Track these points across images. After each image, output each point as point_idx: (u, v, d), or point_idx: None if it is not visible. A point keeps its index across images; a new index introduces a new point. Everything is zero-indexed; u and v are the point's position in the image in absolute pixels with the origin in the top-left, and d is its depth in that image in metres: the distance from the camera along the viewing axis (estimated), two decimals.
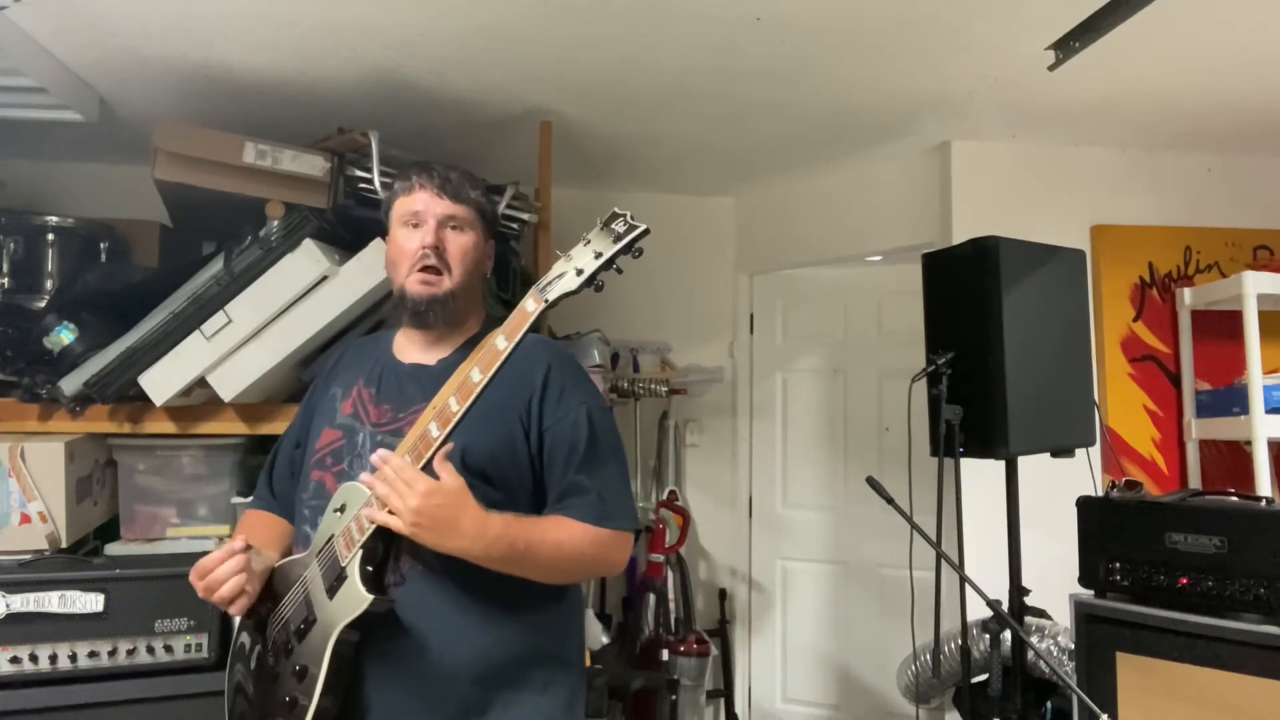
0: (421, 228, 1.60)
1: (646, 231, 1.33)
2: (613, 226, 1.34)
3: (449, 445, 1.42)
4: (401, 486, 1.38)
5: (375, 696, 1.47)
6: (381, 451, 1.43)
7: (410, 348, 1.67)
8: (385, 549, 1.47)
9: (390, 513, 1.39)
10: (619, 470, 1.60)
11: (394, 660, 1.47)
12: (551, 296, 1.36)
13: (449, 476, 1.40)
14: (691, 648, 3.54)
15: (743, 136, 3.22)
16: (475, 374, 1.40)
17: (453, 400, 1.40)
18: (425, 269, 1.58)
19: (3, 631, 1.96)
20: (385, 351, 1.69)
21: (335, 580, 1.45)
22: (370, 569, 1.45)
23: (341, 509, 1.51)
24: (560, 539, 1.49)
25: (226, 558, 1.49)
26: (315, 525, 1.56)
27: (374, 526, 1.42)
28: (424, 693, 1.47)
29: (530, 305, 1.38)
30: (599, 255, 1.34)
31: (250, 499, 1.83)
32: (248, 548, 1.52)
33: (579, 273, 1.35)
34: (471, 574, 1.48)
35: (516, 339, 1.38)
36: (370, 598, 1.41)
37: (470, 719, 1.49)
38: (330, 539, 1.50)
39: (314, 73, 2.55)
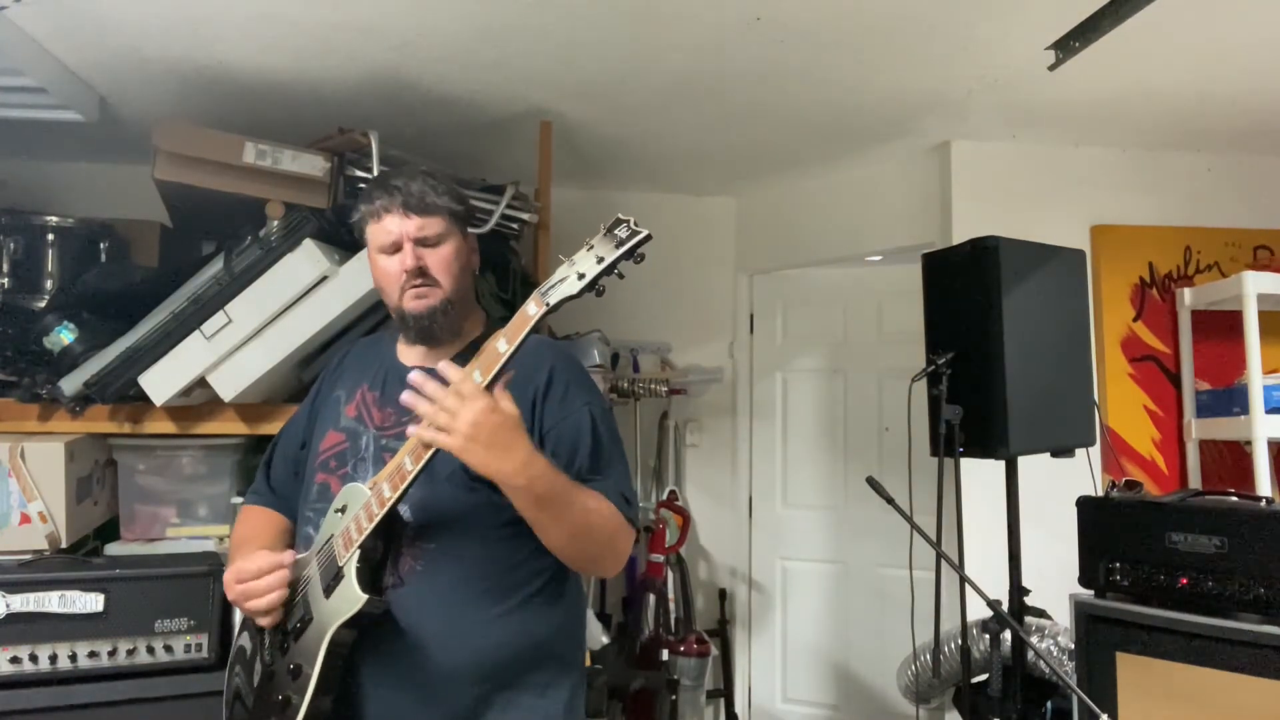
0: (400, 252, 1.58)
1: (649, 237, 1.33)
2: (616, 232, 1.33)
3: (510, 374, 1.38)
4: (453, 402, 1.33)
5: (372, 698, 1.47)
6: (421, 375, 1.37)
7: (413, 351, 1.66)
8: (384, 549, 1.47)
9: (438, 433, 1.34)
10: (625, 472, 1.61)
11: (391, 662, 1.47)
12: (553, 300, 1.35)
13: (510, 405, 1.37)
14: (691, 648, 3.54)
15: (743, 136, 3.21)
16: (476, 376, 1.39)
17: None
18: (415, 286, 1.57)
19: (3, 631, 1.95)
20: (389, 354, 1.69)
21: (332, 579, 1.45)
22: (367, 569, 1.44)
23: (343, 509, 1.51)
24: (590, 505, 1.47)
25: (273, 569, 1.49)
26: (318, 527, 1.56)
27: (372, 526, 1.42)
28: (421, 695, 1.47)
29: (532, 309, 1.37)
30: (601, 260, 1.33)
31: (246, 496, 1.82)
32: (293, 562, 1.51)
33: (580, 277, 1.34)
34: (469, 577, 1.48)
35: (518, 342, 1.38)
36: (365, 597, 1.41)
37: None
38: (330, 539, 1.50)
39: (314, 73, 2.55)
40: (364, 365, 1.71)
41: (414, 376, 1.37)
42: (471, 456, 1.35)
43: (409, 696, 1.47)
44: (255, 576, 1.49)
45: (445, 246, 1.60)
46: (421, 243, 1.58)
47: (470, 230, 1.69)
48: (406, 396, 1.37)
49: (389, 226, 1.58)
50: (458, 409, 1.33)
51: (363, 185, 2.43)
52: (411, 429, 1.39)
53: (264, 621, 1.51)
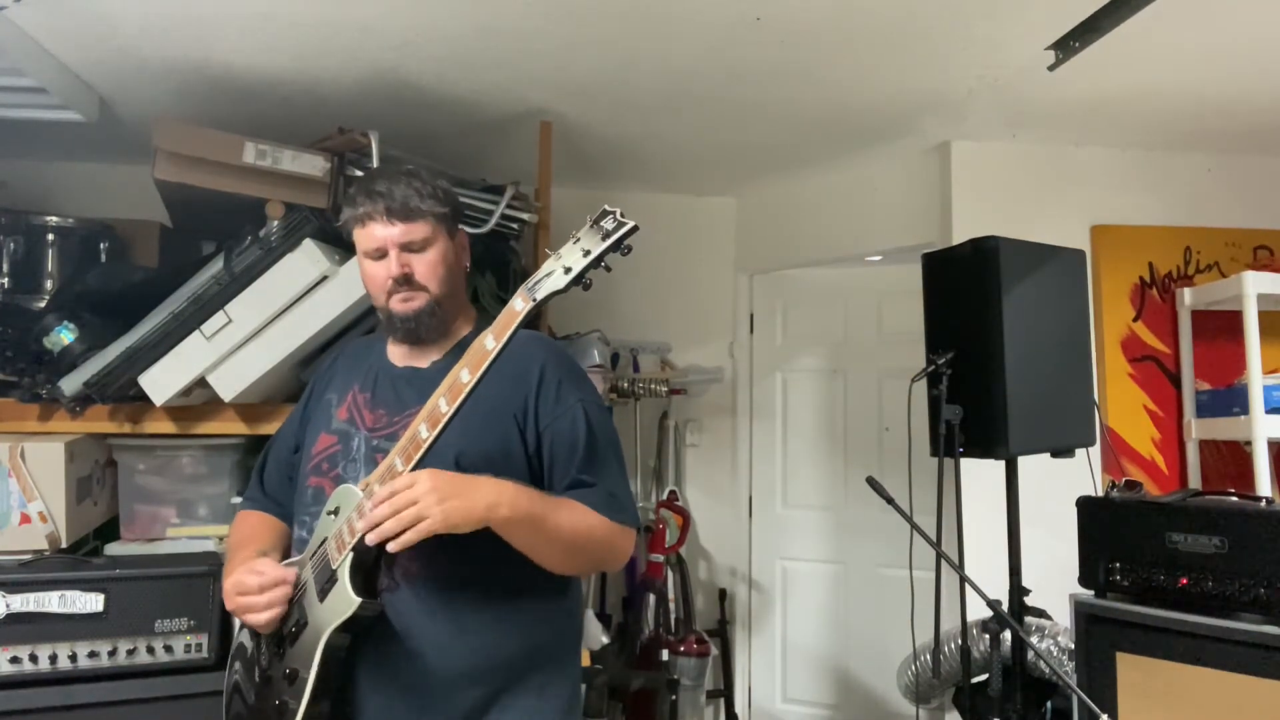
0: (385, 259, 1.58)
1: (635, 229, 1.32)
2: (602, 224, 1.32)
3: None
4: (404, 491, 1.35)
5: (368, 701, 1.47)
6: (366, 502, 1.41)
7: (401, 350, 1.66)
8: (378, 551, 1.46)
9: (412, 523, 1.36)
10: (620, 469, 1.61)
11: (387, 665, 1.47)
12: (540, 295, 1.35)
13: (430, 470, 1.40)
14: (691, 648, 3.54)
15: (743, 136, 3.21)
16: (464, 374, 1.39)
17: (442, 401, 1.40)
18: (402, 290, 1.57)
19: (3, 631, 1.95)
20: (380, 355, 1.69)
21: (326, 583, 1.45)
22: (361, 572, 1.43)
23: (335, 511, 1.50)
24: (575, 518, 1.48)
25: (275, 586, 1.48)
26: (311, 530, 1.56)
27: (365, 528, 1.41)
28: (418, 697, 1.47)
29: (519, 304, 1.36)
30: (587, 253, 1.32)
31: (242, 500, 1.82)
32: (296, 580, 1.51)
33: (567, 271, 1.33)
34: (466, 578, 1.48)
35: (505, 338, 1.37)
36: (358, 600, 1.40)
37: None
38: (324, 542, 1.49)
39: (314, 73, 2.55)
40: (355, 367, 1.70)
41: (363, 503, 1.40)
42: (456, 515, 1.36)
43: (406, 699, 1.47)
44: (257, 591, 1.48)
45: (431, 251, 1.59)
46: (407, 248, 1.57)
47: (460, 227, 1.68)
48: (362, 525, 1.38)
49: (374, 233, 1.57)
50: (411, 492, 1.35)
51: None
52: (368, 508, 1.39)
53: (261, 630, 1.51)
